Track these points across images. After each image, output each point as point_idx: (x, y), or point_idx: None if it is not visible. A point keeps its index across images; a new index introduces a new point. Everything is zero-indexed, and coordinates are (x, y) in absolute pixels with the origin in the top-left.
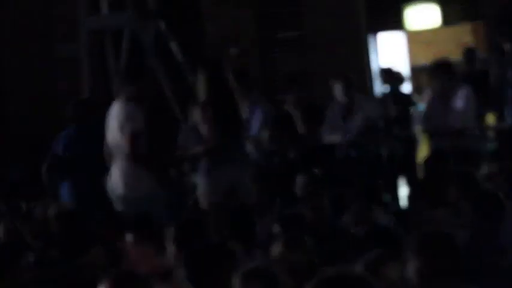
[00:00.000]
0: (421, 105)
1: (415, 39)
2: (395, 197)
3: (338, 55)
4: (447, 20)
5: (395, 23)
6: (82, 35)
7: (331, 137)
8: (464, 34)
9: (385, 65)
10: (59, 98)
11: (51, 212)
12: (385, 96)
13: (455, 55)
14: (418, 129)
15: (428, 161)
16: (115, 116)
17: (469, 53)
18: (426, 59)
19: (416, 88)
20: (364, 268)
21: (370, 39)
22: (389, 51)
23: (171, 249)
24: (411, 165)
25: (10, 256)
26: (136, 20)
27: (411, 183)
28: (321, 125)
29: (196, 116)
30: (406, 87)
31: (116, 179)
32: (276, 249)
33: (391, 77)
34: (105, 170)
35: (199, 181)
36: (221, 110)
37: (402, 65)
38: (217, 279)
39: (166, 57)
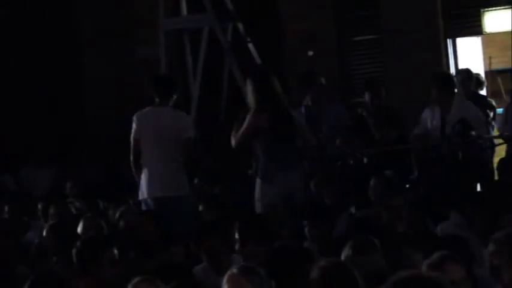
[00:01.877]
0: (500, 109)
1: (492, 43)
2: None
3: (415, 59)
4: None
5: (472, 27)
6: (161, 37)
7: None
8: None
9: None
10: (138, 99)
11: (128, 211)
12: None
13: None
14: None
15: (502, 164)
16: (173, 119)
17: None
18: (503, 63)
19: (493, 92)
20: (427, 268)
21: (448, 44)
22: (466, 55)
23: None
24: (487, 169)
25: (93, 251)
26: (214, 20)
27: (487, 187)
28: (396, 128)
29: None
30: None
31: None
32: (345, 253)
33: (470, 80)
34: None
35: (257, 187)
36: (274, 118)
37: (479, 69)
38: (298, 278)
39: (245, 58)
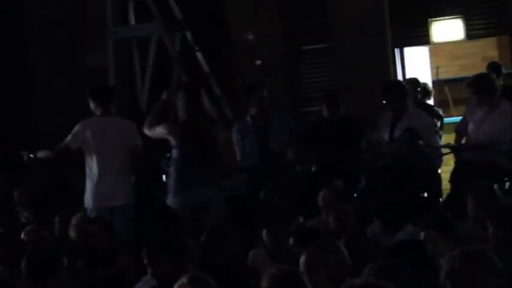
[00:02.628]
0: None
1: (439, 53)
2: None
3: (363, 69)
4: (472, 33)
5: (420, 37)
6: (109, 45)
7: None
8: (489, 48)
9: (410, 78)
10: (86, 108)
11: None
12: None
13: (480, 69)
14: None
15: (454, 173)
16: (119, 129)
17: (494, 68)
18: (451, 72)
19: (441, 102)
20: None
21: (396, 53)
22: (414, 65)
23: None
24: (434, 179)
25: (42, 264)
26: (163, 29)
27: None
28: (349, 138)
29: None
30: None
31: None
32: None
33: (417, 89)
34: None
35: (169, 200)
36: (192, 131)
37: (426, 79)
38: None
39: (193, 68)
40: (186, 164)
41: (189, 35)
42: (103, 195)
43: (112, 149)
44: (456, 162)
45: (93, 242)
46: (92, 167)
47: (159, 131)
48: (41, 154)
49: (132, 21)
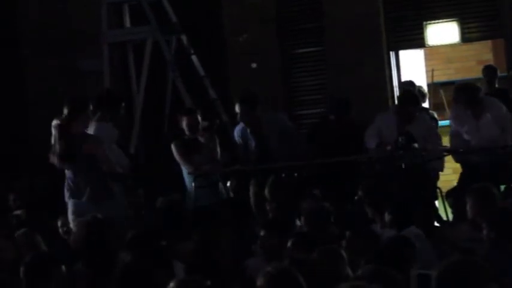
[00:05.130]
0: (442, 122)
1: (434, 56)
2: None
3: (358, 72)
4: (467, 37)
5: (415, 40)
6: (104, 49)
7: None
8: (484, 51)
9: (406, 81)
10: None
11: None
12: None
13: (475, 72)
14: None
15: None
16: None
17: (490, 71)
18: (446, 75)
19: (436, 105)
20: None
21: (391, 56)
22: (409, 68)
23: None
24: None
25: (42, 269)
26: (158, 32)
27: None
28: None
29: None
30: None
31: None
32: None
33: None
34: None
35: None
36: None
37: (421, 82)
38: None
39: (188, 71)
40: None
41: (184, 39)
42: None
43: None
44: (464, 168)
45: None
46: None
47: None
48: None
49: (128, 24)
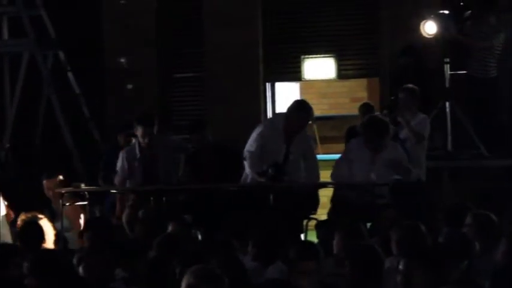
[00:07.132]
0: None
1: (310, 90)
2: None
3: (234, 100)
4: (343, 73)
5: (292, 73)
6: None
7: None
8: (358, 89)
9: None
10: None
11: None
12: None
13: (348, 109)
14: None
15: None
16: None
17: (366, 108)
18: (320, 110)
19: None
20: None
21: (267, 88)
22: (285, 100)
23: None
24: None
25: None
26: (35, 46)
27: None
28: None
29: None
30: None
31: None
32: None
33: None
34: None
35: None
36: None
37: None
38: None
39: (63, 87)
40: None
41: (61, 55)
42: None
43: None
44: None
45: None
46: None
47: None
48: None
49: (5, 36)
